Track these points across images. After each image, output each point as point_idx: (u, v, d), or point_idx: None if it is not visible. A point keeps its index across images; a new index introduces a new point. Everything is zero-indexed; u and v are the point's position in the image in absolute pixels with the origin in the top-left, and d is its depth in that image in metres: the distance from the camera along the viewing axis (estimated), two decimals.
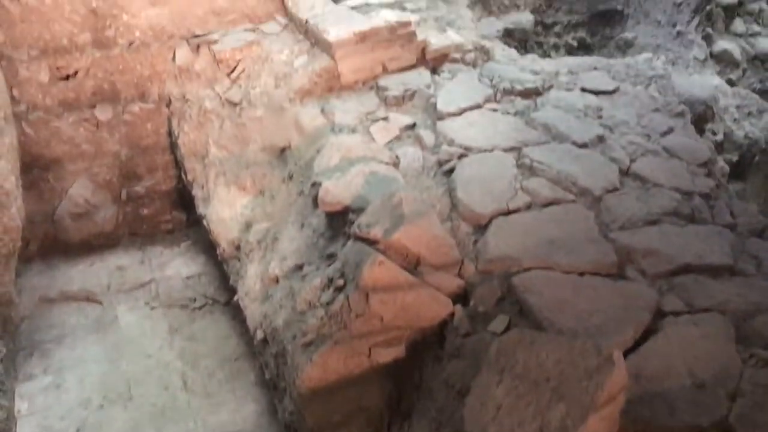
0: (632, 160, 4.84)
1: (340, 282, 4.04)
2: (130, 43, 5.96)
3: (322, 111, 5.60)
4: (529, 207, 4.39)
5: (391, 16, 6.09)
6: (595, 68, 6.18)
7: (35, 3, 5.49)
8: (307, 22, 6.09)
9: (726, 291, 3.74)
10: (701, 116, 5.77)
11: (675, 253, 3.98)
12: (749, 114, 6.31)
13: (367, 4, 6.55)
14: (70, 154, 6.03)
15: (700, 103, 5.79)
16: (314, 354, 3.84)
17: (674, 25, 7.53)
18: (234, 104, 5.93)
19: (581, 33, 8.37)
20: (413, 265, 4.00)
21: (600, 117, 5.37)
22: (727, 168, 5.37)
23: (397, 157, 5.00)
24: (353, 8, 6.40)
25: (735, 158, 5.88)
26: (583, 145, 4.97)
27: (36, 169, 5.99)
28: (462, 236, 4.26)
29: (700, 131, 5.66)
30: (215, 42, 6.19)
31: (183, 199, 6.51)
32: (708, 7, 7.34)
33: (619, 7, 8.19)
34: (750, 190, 6.23)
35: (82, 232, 6.26)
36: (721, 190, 4.71)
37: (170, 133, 6.29)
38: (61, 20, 5.65)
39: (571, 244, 4.04)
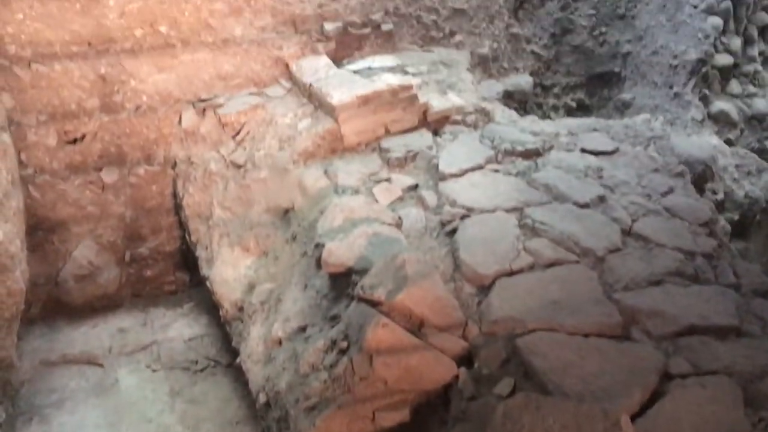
0: (634, 220, 4.87)
1: (344, 344, 4.02)
2: (138, 108, 6.08)
3: (326, 172, 5.68)
4: (532, 268, 4.40)
5: (393, 79, 6.23)
6: (595, 129, 6.28)
7: (45, 69, 5.62)
8: (310, 86, 6.22)
9: (732, 353, 3.71)
10: (701, 176, 5.83)
11: (680, 314, 3.96)
12: (749, 173, 6.37)
13: (370, 68, 6.70)
14: (75, 216, 6.07)
15: (700, 163, 5.85)
16: (317, 418, 3.79)
17: (671, 87, 7.67)
18: (238, 166, 6.00)
19: (580, 94, 8.53)
20: (417, 326, 3.99)
21: (600, 177, 5.43)
22: (728, 227, 5.40)
23: (399, 218, 5.04)
24: (356, 72, 6.55)
25: (736, 217, 5.91)
26: (585, 205, 5.01)
27: (41, 231, 6.02)
28: (465, 297, 4.25)
29: (701, 191, 5.71)
30: (221, 105, 6.31)
31: (186, 260, 6.52)
32: (704, 69, 7.49)
33: (617, 69, 8.37)
34: (753, 250, 6.24)
35: (85, 294, 6.25)
36: (723, 250, 4.72)
37: (175, 195, 6.34)
38: (70, 86, 5.78)
39: (575, 305, 4.03)
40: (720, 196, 5.98)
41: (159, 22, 5.99)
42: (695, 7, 7.59)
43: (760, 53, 7.97)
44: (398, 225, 4.95)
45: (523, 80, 7.99)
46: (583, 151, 5.86)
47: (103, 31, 5.77)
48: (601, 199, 5.09)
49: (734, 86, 7.70)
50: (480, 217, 4.89)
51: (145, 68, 6.01)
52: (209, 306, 6.09)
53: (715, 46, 7.49)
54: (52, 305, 6.18)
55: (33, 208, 5.90)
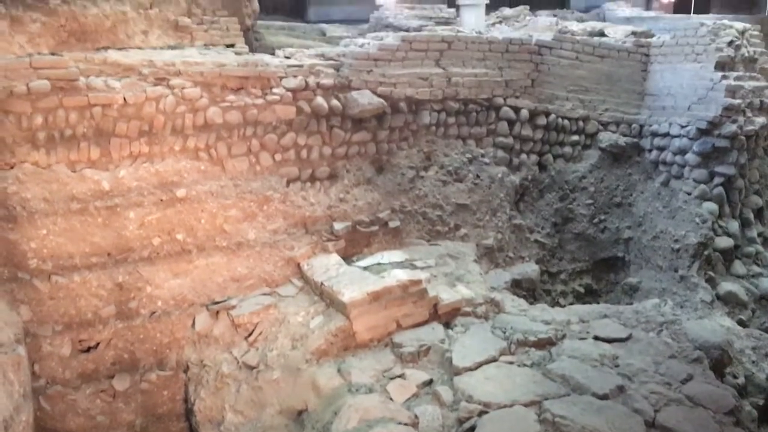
0: (656, 411, 4.74)
1: None
2: (152, 313, 6.17)
3: (339, 371, 5.63)
4: None
5: (402, 275, 6.36)
6: (606, 316, 6.30)
7: (64, 281, 5.79)
8: (322, 284, 6.35)
9: None
10: (719, 361, 5.75)
11: None
12: (767, 355, 6.27)
13: (379, 264, 6.88)
14: (84, 426, 5.95)
15: (716, 348, 5.79)
16: None
17: (676, 270, 7.78)
18: (251, 367, 5.97)
19: (587, 279, 8.64)
20: None
21: (617, 366, 5.37)
22: (755, 413, 5.22)
23: (416, 416, 4.92)
24: (366, 268, 6.72)
25: (761, 402, 5.73)
26: (604, 396, 4.90)
27: None
28: None
29: (720, 376, 5.60)
30: (234, 307, 6.40)
31: None
32: (706, 252, 7.64)
33: (620, 254, 8.55)
34: None
35: None
36: None
37: (186, 400, 6.24)
38: (87, 295, 5.91)
39: None
40: (741, 380, 5.84)
41: (176, 231, 6.26)
42: (689, 194, 7.92)
43: (759, 234, 8.17)
44: (415, 424, 4.83)
45: (529, 268, 8.14)
46: (597, 338, 5.85)
47: (122, 242, 6.01)
48: (621, 389, 4.99)
49: (738, 267, 7.81)
50: (498, 413, 4.77)
51: (162, 274, 6.18)
52: None
53: (713, 230, 7.71)
54: None
55: (42, 420, 5.79)
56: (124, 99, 5.94)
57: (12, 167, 5.60)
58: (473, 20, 12.34)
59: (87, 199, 5.82)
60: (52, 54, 6.00)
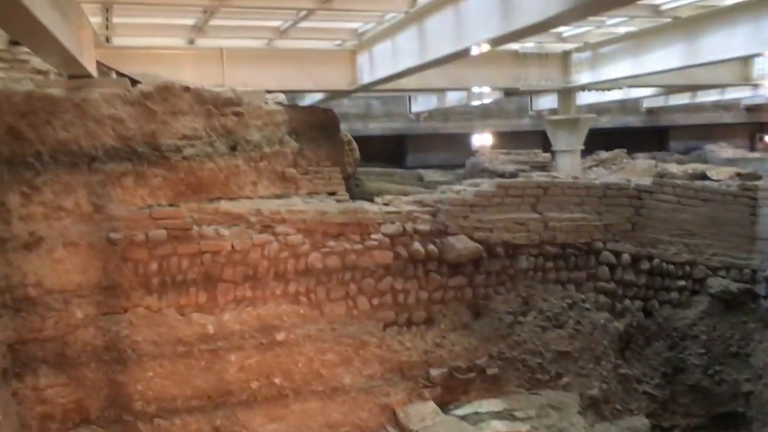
0: None
1: None
2: None
3: None
4: None
5: (501, 426, 6.12)
6: None
7: (166, 423, 5.89)
8: None
9: None
10: None
11: None
12: None
13: (477, 413, 6.64)
14: None
15: None
16: None
17: None
18: None
19: None
20: None
21: None
22: None
23: None
24: (462, 418, 6.49)
25: None
26: None
27: None
28: None
29: None
30: None
31: None
32: None
33: (740, 409, 7.88)
34: None
35: None
36: None
37: None
38: None
39: None
40: None
41: (274, 374, 6.33)
42: None
43: None
44: None
45: (639, 422, 7.59)
46: None
47: (222, 385, 6.12)
48: None
49: None
50: None
51: (258, 419, 6.20)
52: None
53: None
54: None
55: None
56: (232, 246, 6.29)
57: (126, 311, 5.94)
58: (569, 165, 12.45)
59: (192, 342, 6.03)
60: (170, 205, 6.48)
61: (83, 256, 5.89)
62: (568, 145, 12.68)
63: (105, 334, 5.85)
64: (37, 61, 7.34)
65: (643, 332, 8.15)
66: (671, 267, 8.22)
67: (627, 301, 8.14)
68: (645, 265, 8.15)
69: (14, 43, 7.26)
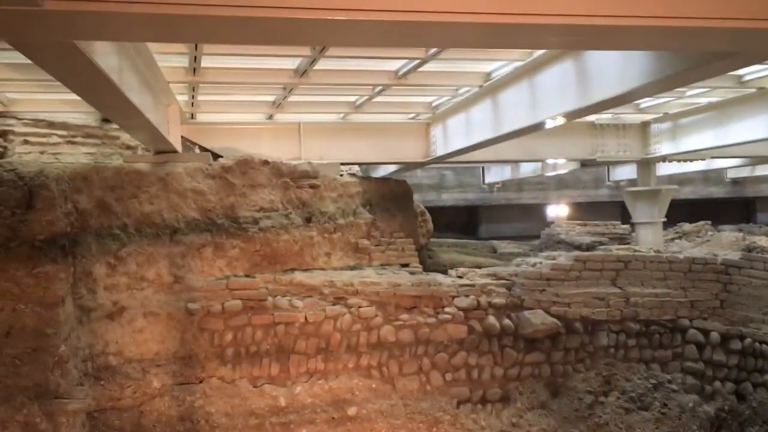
0: None
1: None
2: None
3: None
4: None
5: None
6: None
7: None
8: None
9: None
10: None
11: None
12: None
13: None
14: None
15: None
16: None
17: None
18: None
19: None
20: None
21: None
22: None
23: None
24: None
25: None
26: None
27: None
28: None
29: None
30: None
31: None
32: None
33: None
34: None
35: None
36: None
37: None
38: None
39: None
40: None
41: None
42: None
43: None
44: None
45: None
46: None
47: None
48: None
49: None
50: None
51: None
52: None
53: None
54: None
55: None
56: (306, 317, 6.30)
57: (201, 381, 5.98)
58: (650, 237, 12.00)
59: (264, 414, 6.00)
60: (246, 276, 6.58)
61: (162, 326, 6.02)
62: (648, 216, 12.25)
63: (180, 404, 5.90)
64: (126, 137, 7.74)
65: (736, 417, 7.61)
66: (765, 347, 7.71)
67: (717, 383, 7.65)
68: (736, 345, 7.67)
69: (105, 120, 7.68)
